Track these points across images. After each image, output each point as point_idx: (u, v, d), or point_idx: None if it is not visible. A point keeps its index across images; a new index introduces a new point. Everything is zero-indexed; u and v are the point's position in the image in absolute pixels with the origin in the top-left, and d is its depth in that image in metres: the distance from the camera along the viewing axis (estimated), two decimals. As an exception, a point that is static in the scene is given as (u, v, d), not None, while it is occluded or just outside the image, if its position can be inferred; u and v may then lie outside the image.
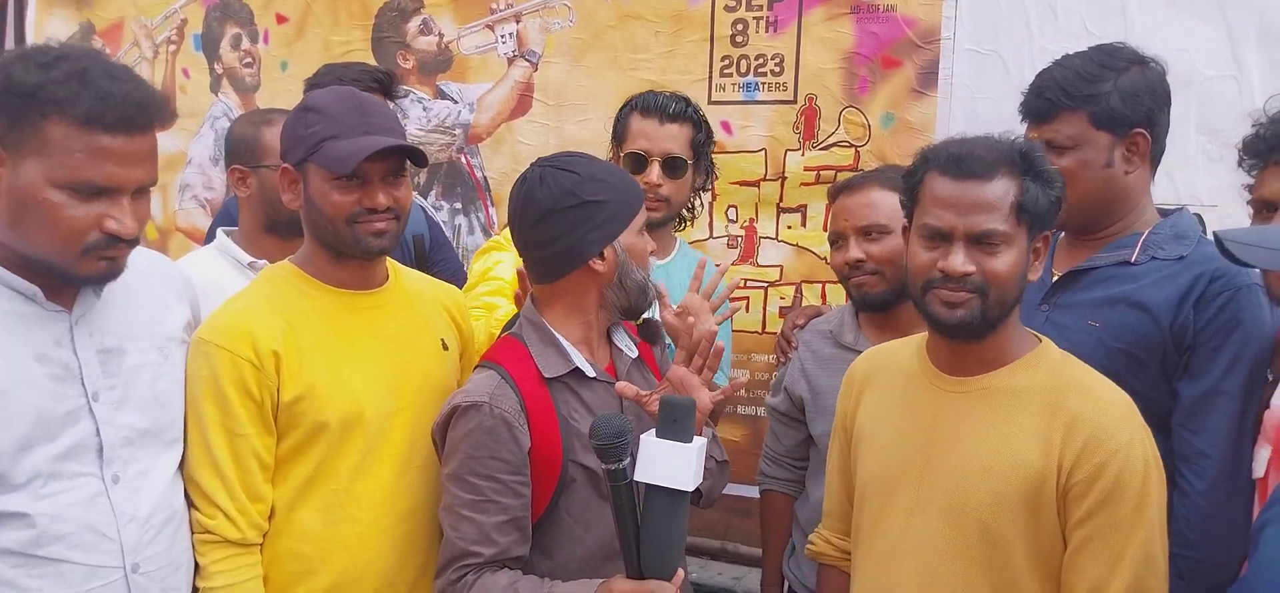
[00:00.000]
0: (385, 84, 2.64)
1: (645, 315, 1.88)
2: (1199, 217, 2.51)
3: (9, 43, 4.09)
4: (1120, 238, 1.93)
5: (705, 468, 1.83)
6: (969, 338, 1.61)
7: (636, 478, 1.55)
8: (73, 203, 1.47)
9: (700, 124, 2.42)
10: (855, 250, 2.14)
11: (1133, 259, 1.89)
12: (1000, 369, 1.62)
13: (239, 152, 2.29)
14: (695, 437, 1.58)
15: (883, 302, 2.14)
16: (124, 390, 1.63)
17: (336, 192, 1.74)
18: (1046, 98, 1.90)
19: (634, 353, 1.90)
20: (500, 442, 1.70)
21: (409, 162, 1.82)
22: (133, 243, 1.56)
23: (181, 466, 1.74)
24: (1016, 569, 1.56)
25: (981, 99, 2.69)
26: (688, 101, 2.43)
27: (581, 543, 1.76)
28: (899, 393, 1.73)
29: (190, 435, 1.74)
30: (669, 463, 1.54)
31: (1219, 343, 1.78)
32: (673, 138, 2.37)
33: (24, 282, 1.54)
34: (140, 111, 1.51)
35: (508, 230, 2.54)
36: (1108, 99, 1.87)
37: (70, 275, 1.53)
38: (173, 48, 3.80)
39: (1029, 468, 1.54)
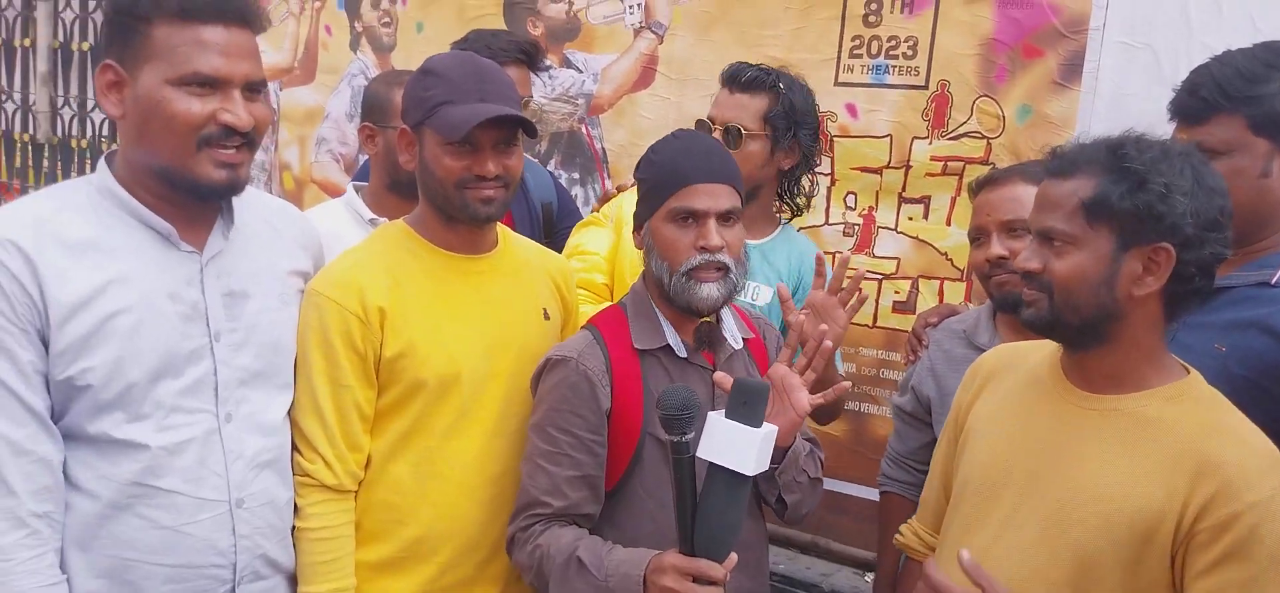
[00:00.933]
0: (531, 55, 2.67)
1: (705, 319, 1.80)
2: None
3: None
4: (1265, 256, 1.77)
5: (797, 483, 1.82)
6: (1064, 344, 1.55)
7: (698, 454, 1.53)
8: (186, 97, 1.55)
9: (781, 96, 2.29)
10: (997, 246, 2.03)
11: (1274, 280, 1.73)
12: (1135, 393, 1.50)
13: (371, 110, 2.37)
14: (764, 424, 1.55)
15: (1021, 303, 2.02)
16: (244, 333, 1.70)
17: (448, 156, 1.77)
18: (1201, 97, 1.76)
19: (739, 343, 1.87)
20: (581, 398, 1.73)
21: (522, 131, 1.83)
22: (249, 144, 1.62)
23: (291, 409, 1.81)
24: None
25: (1129, 96, 2.51)
26: (771, 72, 2.32)
27: (653, 520, 1.75)
28: (1021, 395, 1.64)
29: (298, 381, 1.80)
30: (732, 444, 1.52)
31: None
32: (741, 107, 2.29)
33: (161, 220, 1.62)
34: (230, 3, 1.58)
35: (606, 206, 2.55)
36: (1271, 102, 1.72)
37: (192, 182, 1.59)
38: (317, 4, 3.95)
39: (1147, 503, 1.42)
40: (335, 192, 3.85)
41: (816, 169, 2.46)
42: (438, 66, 1.81)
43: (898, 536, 1.93)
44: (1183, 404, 1.48)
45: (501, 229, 1.98)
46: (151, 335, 1.58)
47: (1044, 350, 1.68)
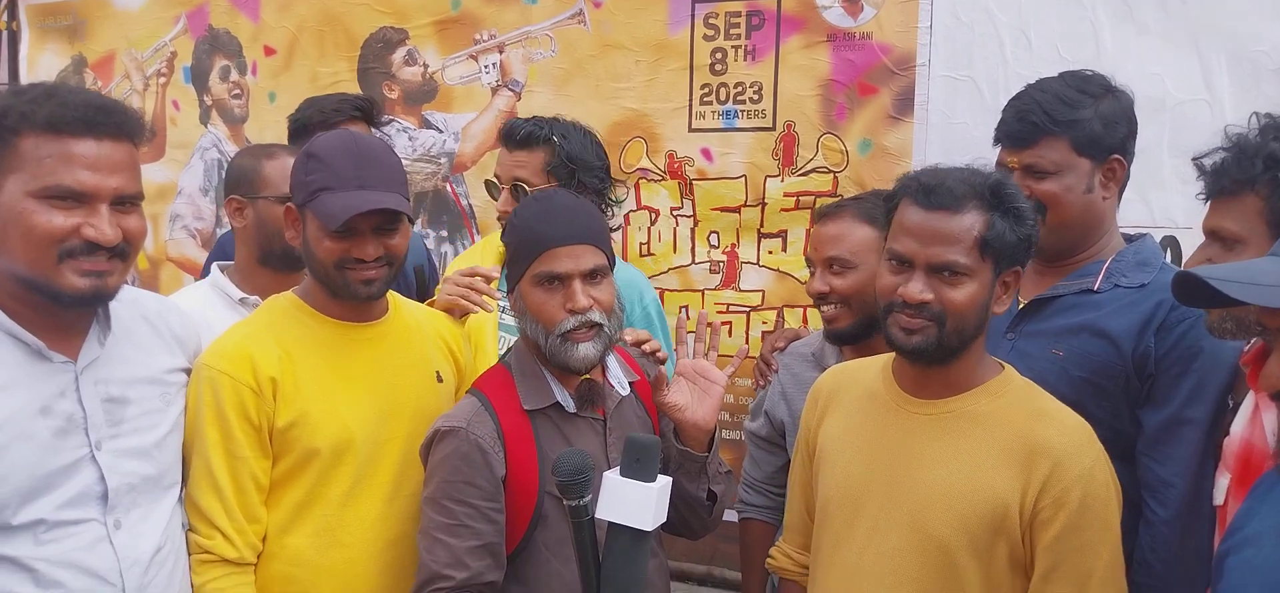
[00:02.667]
0: (366, 112, 2.67)
1: (586, 377, 1.83)
2: (1175, 239, 2.53)
3: (3, 76, 4.13)
4: (1085, 265, 1.94)
5: (720, 473, 1.88)
6: (927, 363, 1.63)
7: (598, 515, 1.56)
8: (48, 210, 1.50)
9: (557, 147, 2.38)
10: (819, 283, 2.14)
11: (1096, 287, 1.90)
12: (964, 394, 1.64)
13: (238, 182, 2.31)
14: (659, 477, 1.58)
15: (849, 335, 2.13)
16: (129, 438, 1.65)
17: (327, 239, 1.78)
18: (1030, 121, 1.89)
19: (625, 389, 1.90)
20: (474, 467, 1.73)
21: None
22: (120, 256, 1.57)
23: (178, 504, 1.76)
24: None
25: (956, 124, 2.70)
26: (544, 124, 2.42)
27: (558, 577, 1.77)
28: (864, 412, 1.75)
29: (193, 457, 1.77)
30: (630, 501, 1.55)
31: (1181, 371, 1.79)
32: (521, 164, 2.39)
33: (28, 333, 1.56)
34: (104, 114, 1.54)
35: (486, 239, 2.59)
36: (1089, 125, 1.88)
37: (55, 292, 1.54)
38: (163, 80, 3.84)
39: (993, 493, 1.56)
40: (193, 268, 3.73)
41: (678, 211, 2.54)
42: (320, 150, 1.81)
43: (769, 559, 2.01)
44: (1005, 397, 1.63)
45: (392, 295, 1.99)
46: (19, 455, 1.52)
47: (876, 366, 1.80)
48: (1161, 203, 2.51)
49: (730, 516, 2.95)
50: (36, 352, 1.57)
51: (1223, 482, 1.68)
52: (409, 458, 1.88)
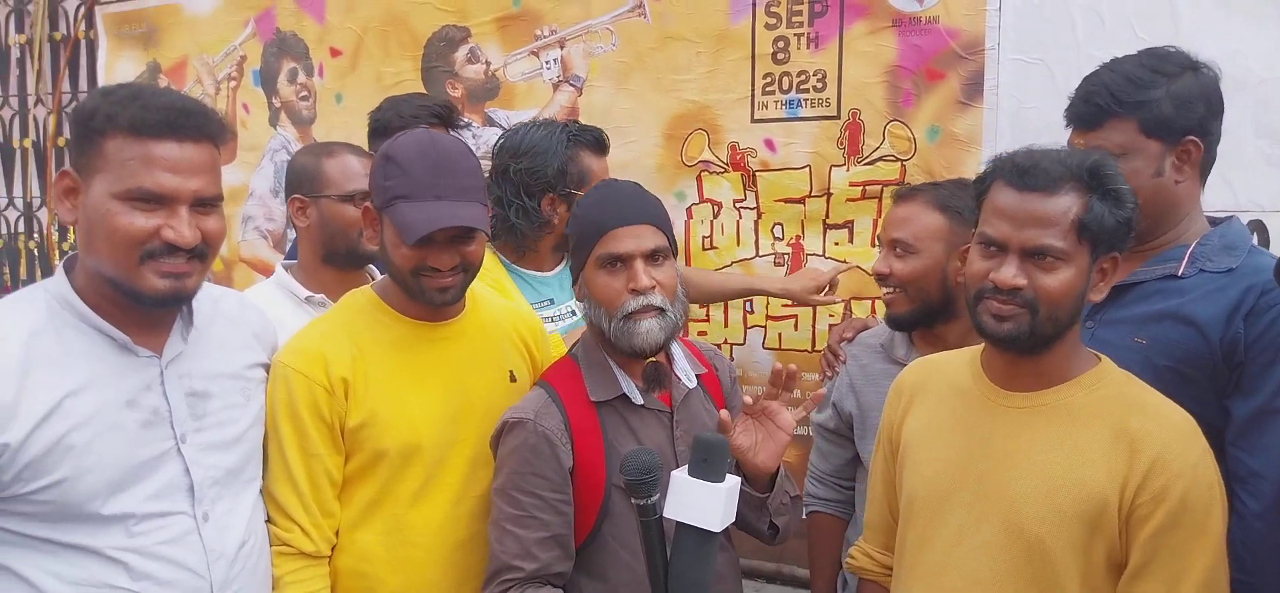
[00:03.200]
0: (445, 118, 2.70)
1: (651, 359, 1.83)
2: (1261, 223, 2.44)
3: (82, 84, 4.28)
4: (1167, 250, 1.87)
5: (783, 506, 1.84)
6: (1019, 352, 1.58)
7: (666, 514, 1.55)
8: (130, 211, 1.53)
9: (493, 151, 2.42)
10: (881, 263, 2.12)
11: (1180, 272, 1.83)
12: (1059, 386, 1.58)
13: (300, 182, 2.33)
14: (727, 477, 1.57)
15: (906, 321, 2.10)
16: (212, 432, 1.70)
17: (404, 247, 1.79)
18: (1095, 103, 1.84)
19: (692, 382, 1.90)
20: (542, 459, 1.74)
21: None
22: (200, 257, 1.61)
23: (260, 497, 1.80)
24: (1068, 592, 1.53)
25: (1029, 109, 2.64)
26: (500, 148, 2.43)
27: (629, 568, 1.77)
28: (951, 406, 1.70)
29: (269, 453, 1.81)
30: (698, 502, 1.54)
31: (1272, 358, 1.71)
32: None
33: (114, 328, 1.60)
34: (185, 117, 1.57)
35: None
36: (1159, 106, 1.81)
37: (136, 293, 1.57)
38: (233, 83, 3.93)
39: (1091, 488, 1.51)
40: (265, 269, 3.82)
41: (741, 204, 2.54)
42: (398, 155, 1.80)
43: (850, 559, 1.97)
44: (1103, 389, 1.57)
45: (472, 290, 1.98)
46: (108, 448, 1.56)
47: (962, 358, 1.75)
48: (1245, 184, 2.42)
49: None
50: (123, 346, 1.61)
51: None
52: (479, 459, 1.89)
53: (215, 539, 1.66)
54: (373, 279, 2.34)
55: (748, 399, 1.76)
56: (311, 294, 2.27)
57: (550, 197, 2.38)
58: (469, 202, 1.80)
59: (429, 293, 1.82)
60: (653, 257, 1.77)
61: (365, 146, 2.59)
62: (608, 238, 1.77)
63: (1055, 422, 1.57)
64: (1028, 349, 1.56)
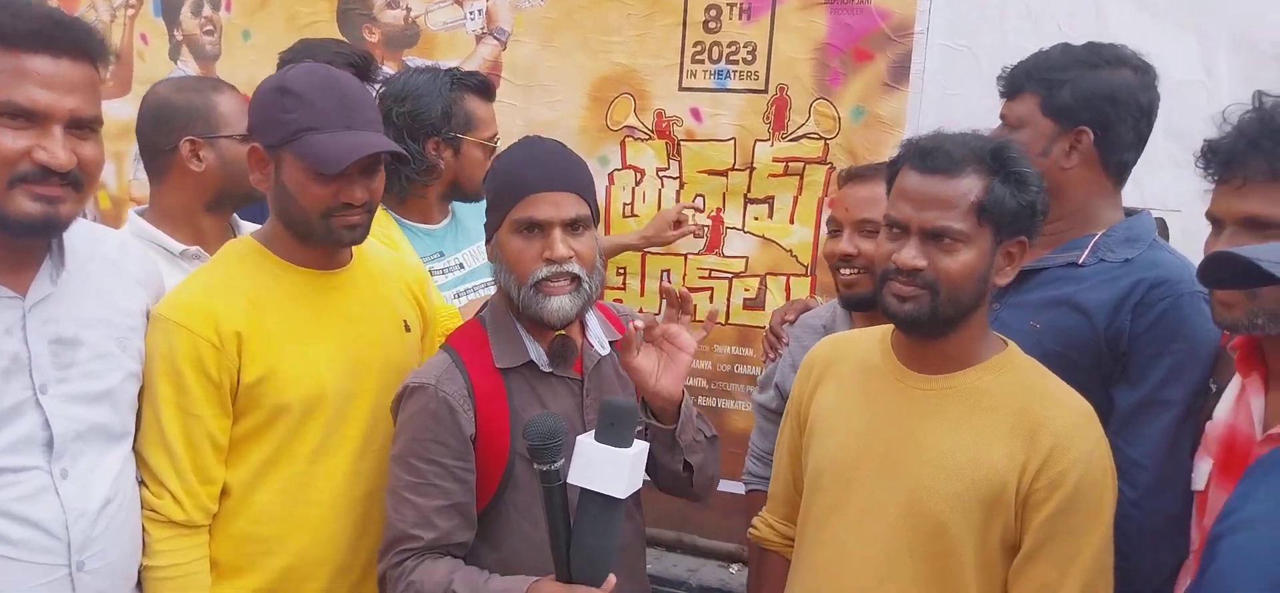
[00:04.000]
0: (362, 68, 2.54)
1: (560, 333, 1.75)
2: (1163, 222, 2.51)
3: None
4: (1075, 238, 1.90)
5: (697, 443, 1.79)
6: (922, 335, 1.59)
7: (570, 481, 1.51)
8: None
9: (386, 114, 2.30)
10: (847, 244, 2.10)
11: (1081, 261, 1.87)
12: (966, 369, 1.60)
13: (190, 121, 2.10)
14: (635, 442, 1.53)
15: (867, 301, 2.07)
16: (79, 383, 1.57)
17: (315, 184, 1.69)
18: (1016, 74, 1.93)
19: (605, 349, 1.84)
20: (443, 425, 1.68)
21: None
22: (74, 184, 1.48)
23: (131, 453, 1.69)
24: (964, 573, 1.55)
25: (953, 95, 2.67)
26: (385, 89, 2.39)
27: (528, 539, 1.72)
28: (860, 384, 1.71)
29: (143, 412, 1.69)
30: (604, 468, 1.49)
31: (1158, 351, 1.76)
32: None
33: None
34: (61, 29, 1.45)
35: None
36: (1062, 90, 1.86)
37: (3, 219, 1.45)
38: (131, 11, 3.69)
39: (992, 471, 1.53)
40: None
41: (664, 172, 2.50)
42: (298, 87, 1.70)
43: (751, 530, 1.97)
44: (1008, 374, 1.59)
45: None
46: None
47: (873, 337, 1.75)
48: (1154, 184, 2.49)
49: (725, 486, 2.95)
50: None
51: (1204, 467, 1.67)
52: (379, 412, 1.83)
53: (75, 498, 1.54)
54: (236, 227, 2.21)
55: (641, 324, 1.69)
56: (186, 247, 2.07)
57: (434, 140, 2.35)
58: (377, 132, 1.74)
59: (338, 232, 1.73)
60: (572, 226, 1.69)
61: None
62: (526, 202, 1.68)
63: (960, 404, 1.58)
64: (929, 331, 1.57)
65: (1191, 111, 2.42)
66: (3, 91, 1.41)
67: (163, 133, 2.10)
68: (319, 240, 1.76)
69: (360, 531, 1.83)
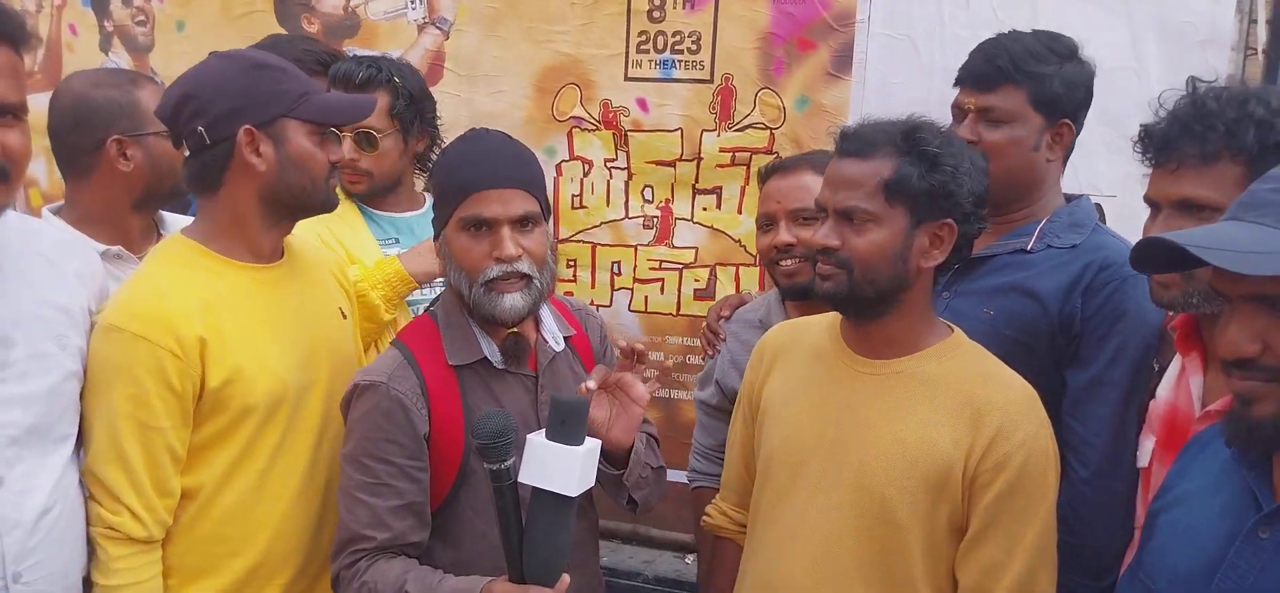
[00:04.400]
0: (329, 64, 2.49)
1: (512, 330, 1.75)
2: (1099, 206, 2.58)
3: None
4: (1022, 226, 1.95)
5: (643, 479, 1.80)
6: (853, 316, 1.64)
7: (521, 479, 1.50)
8: None
9: (398, 90, 2.38)
10: (785, 234, 2.11)
11: (1029, 247, 1.92)
12: (911, 355, 1.64)
13: (115, 118, 2.00)
14: (587, 439, 1.52)
15: (808, 289, 2.07)
16: (11, 385, 1.52)
17: (320, 147, 1.74)
18: (996, 65, 1.90)
19: (560, 345, 1.83)
20: (396, 424, 1.66)
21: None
22: (3, 175, 1.44)
23: (73, 457, 1.64)
24: (911, 555, 1.58)
25: (894, 84, 2.70)
26: (381, 67, 2.40)
27: (484, 537, 1.71)
28: (809, 370, 1.74)
29: (94, 426, 1.63)
30: (555, 466, 1.49)
31: (1105, 332, 1.82)
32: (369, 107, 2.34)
33: None
34: None
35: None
36: (1050, 82, 1.89)
37: None
38: (59, 2, 3.57)
39: (938, 453, 1.56)
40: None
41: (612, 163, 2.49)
42: (274, 61, 1.76)
43: (705, 517, 1.99)
44: (954, 359, 1.63)
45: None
46: None
47: (822, 324, 1.78)
48: (1088, 169, 2.55)
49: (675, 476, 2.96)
50: None
51: (1147, 444, 1.72)
52: (331, 401, 1.82)
53: (9, 506, 1.50)
54: (162, 224, 2.15)
55: (594, 380, 1.69)
56: (108, 247, 1.98)
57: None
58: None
59: (344, 185, 1.85)
60: (521, 222, 1.68)
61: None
62: (472, 199, 1.66)
63: (907, 389, 1.62)
64: (854, 309, 1.62)
65: (1123, 97, 2.50)
66: None
67: (84, 131, 2.01)
68: (317, 209, 1.80)
69: (320, 522, 1.83)
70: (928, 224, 1.58)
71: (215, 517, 1.73)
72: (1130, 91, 2.51)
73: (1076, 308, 1.84)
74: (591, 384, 1.67)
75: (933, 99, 2.61)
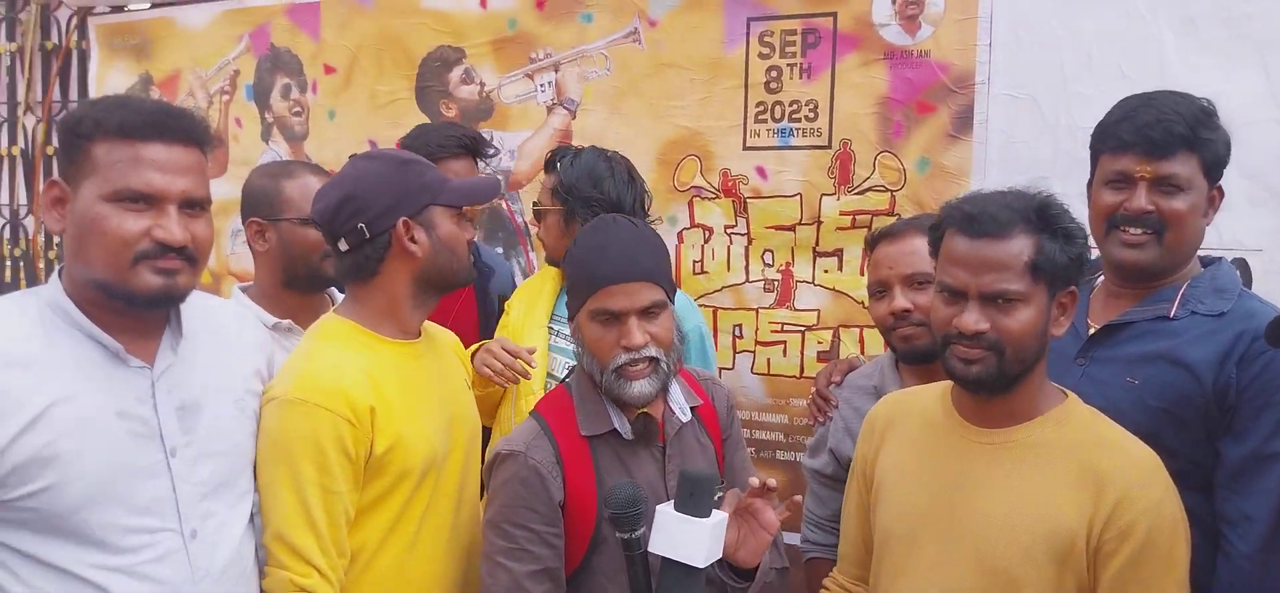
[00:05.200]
0: (473, 148, 2.76)
1: (642, 411, 1.83)
2: (1244, 261, 2.48)
3: (73, 93, 4.27)
4: (1160, 290, 1.89)
5: (766, 584, 1.81)
6: (990, 393, 1.61)
7: (650, 549, 1.55)
8: (120, 213, 1.54)
9: (560, 173, 2.53)
10: (901, 300, 2.09)
11: (1171, 314, 1.86)
12: (1027, 423, 1.62)
13: (257, 204, 2.25)
14: (713, 512, 1.56)
15: (928, 354, 2.06)
16: (201, 445, 1.68)
17: (460, 228, 1.90)
18: (1175, 132, 1.81)
19: (687, 416, 1.90)
20: (533, 491, 1.75)
21: None
22: (189, 259, 1.61)
23: (252, 517, 1.78)
24: None
25: (1017, 143, 2.68)
26: (561, 151, 2.61)
27: None
28: (923, 440, 1.73)
29: (280, 493, 1.75)
30: (683, 537, 1.54)
31: (1264, 403, 1.74)
32: (542, 187, 2.61)
33: (108, 337, 1.59)
34: (171, 118, 1.59)
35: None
36: (1215, 147, 1.85)
37: (129, 293, 1.57)
38: (226, 97, 3.93)
39: (1060, 524, 1.54)
40: (255, 284, 3.81)
41: (732, 229, 2.58)
42: (411, 155, 1.94)
43: (822, 590, 1.98)
44: (1069, 426, 1.61)
45: None
46: (95, 457, 1.54)
47: (933, 394, 1.78)
48: (1229, 225, 2.45)
49: (784, 538, 2.96)
50: (114, 355, 1.60)
51: None
52: (466, 467, 1.95)
53: (202, 557, 1.65)
54: (334, 302, 2.32)
55: (727, 506, 1.70)
56: (278, 320, 2.22)
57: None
58: None
59: (469, 270, 1.95)
60: (647, 312, 1.76)
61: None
62: (602, 294, 1.76)
63: (1024, 458, 1.60)
64: (998, 389, 1.60)
65: (1263, 150, 2.41)
66: (123, 180, 1.54)
67: (243, 215, 2.30)
68: (458, 284, 1.95)
69: (463, 585, 1.94)
70: (1059, 294, 1.60)
71: (373, 577, 1.83)
72: (1270, 143, 2.42)
73: (1231, 378, 1.77)
74: (733, 493, 1.71)
75: (1058, 156, 2.60)
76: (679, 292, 2.60)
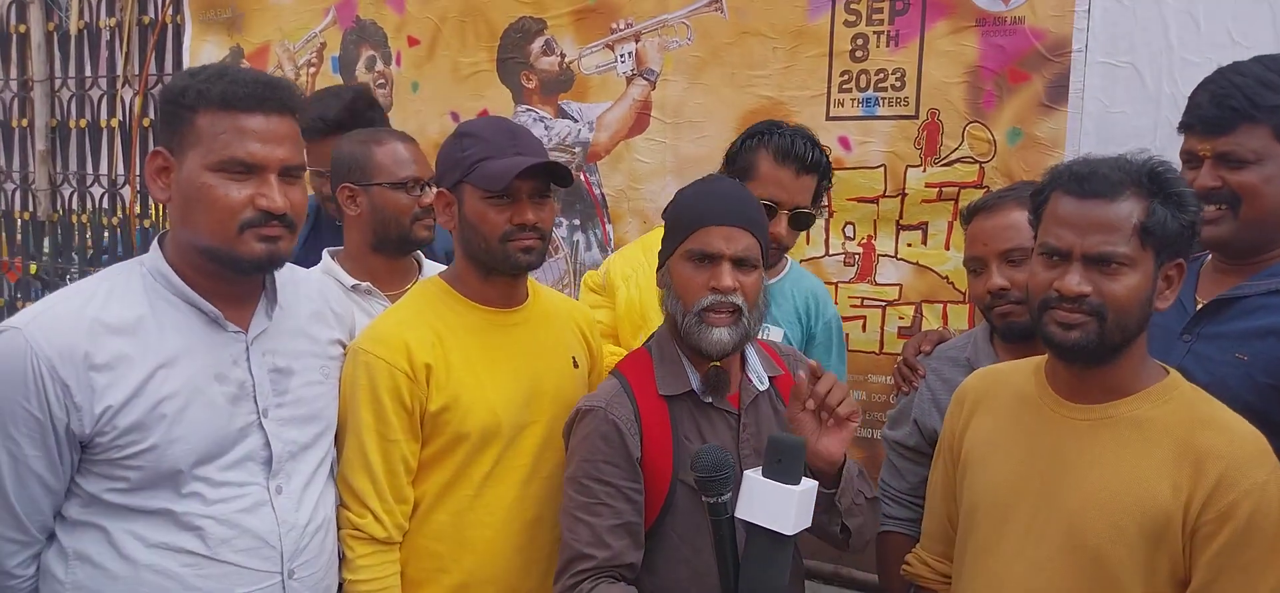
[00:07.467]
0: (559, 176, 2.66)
1: (715, 364, 1.80)
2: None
3: (168, 66, 4.41)
4: (1270, 266, 1.81)
5: (856, 505, 1.80)
6: (1087, 363, 1.55)
7: (737, 515, 1.54)
8: (226, 182, 1.60)
9: (825, 171, 2.29)
10: (998, 278, 2.02)
11: None
12: (1125, 399, 1.56)
13: (349, 170, 2.32)
14: (803, 479, 1.54)
15: (1026, 331, 1.96)
16: (291, 408, 1.75)
17: (491, 210, 1.85)
18: (1229, 107, 1.77)
19: (764, 384, 1.88)
20: (613, 446, 1.76)
21: (553, 183, 1.92)
22: (289, 225, 1.66)
23: (332, 472, 1.86)
24: None
25: (1115, 113, 2.57)
26: (817, 145, 2.27)
27: (687, 564, 1.77)
28: (1014, 416, 1.68)
29: (345, 438, 1.86)
30: (770, 504, 1.52)
31: None
32: (805, 190, 2.25)
33: (208, 304, 1.67)
34: (270, 90, 1.64)
35: (593, 274, 2.53)
36: None
37: (236, 259, 1.63)
38: (313, 70, 4.01)
39: (1155, 502, 1.48)
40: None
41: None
42: (473, 129, 1.92)
43: (906, 566, 1.95)
44: (1171, 403, 1.55)
45: (531, 281, 2.05)
46: (198, 418, 1.63)
47: (1026, 369, 1.72)
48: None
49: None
50: (213, 320, 1.68)
51: None
52: (548, 442, 1.94)
53: (288, 511, 1.72)
54: (420, 266, 2.38)
55: (805, 375, 1.70)
56: (357, 282, 2.29)
57: None
58: (543, 157, 1.88)
59: (514, 256, 1.86)
60: (741, 262, 1.76)
61: (439, 135, 2.61)
62: (701, 233, 1.76)
63: (1121, 435, 1.54)
64: (1096, 358, 1.54)
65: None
66: (227, 150, 1.60)
67: (335, 181, 2.36)
68: (500, 269, 1.90)
69: (527, 556, 1.94)
70: (1166, 265, 1.53)
71: (429, 531, 1.89)
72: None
73: None
74: (802, 374, 1.69)
75: (1160, 127, 2.49)
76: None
